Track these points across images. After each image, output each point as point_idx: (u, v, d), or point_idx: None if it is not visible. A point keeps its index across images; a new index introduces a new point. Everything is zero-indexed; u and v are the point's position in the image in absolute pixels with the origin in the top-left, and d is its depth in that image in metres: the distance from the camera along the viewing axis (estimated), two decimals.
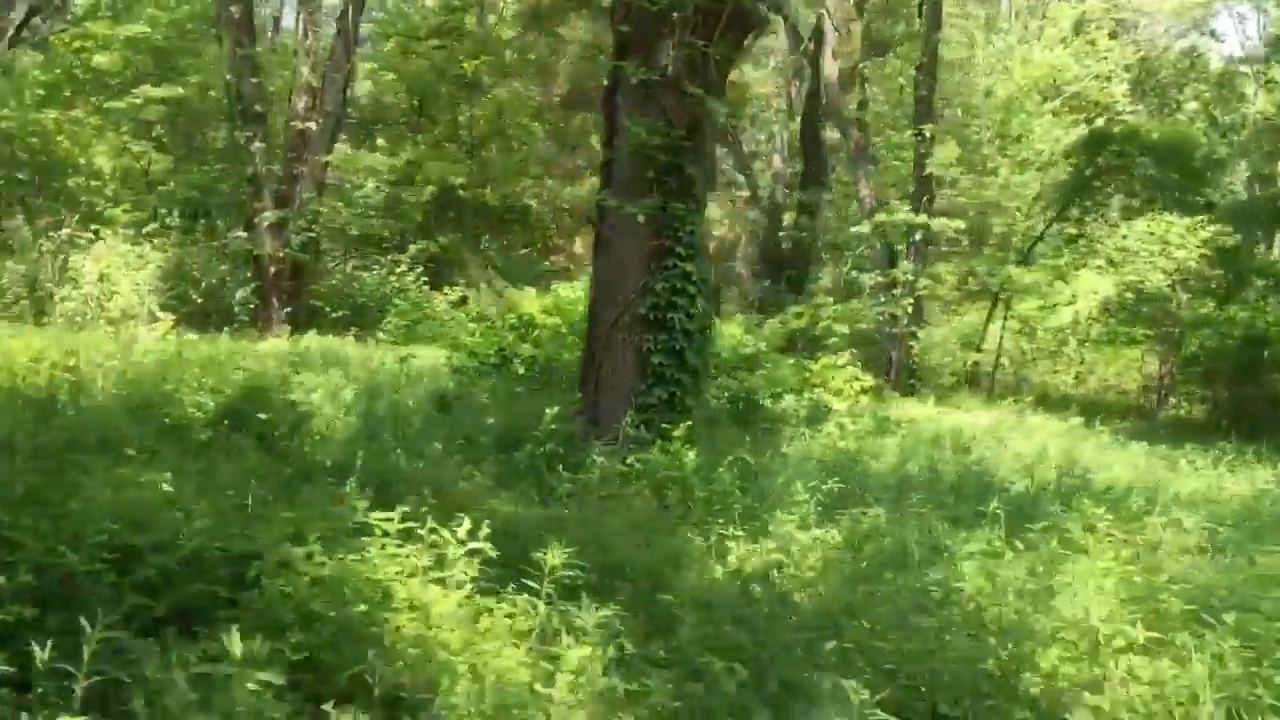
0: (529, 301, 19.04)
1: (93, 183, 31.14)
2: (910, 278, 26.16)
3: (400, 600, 4.87)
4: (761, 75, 43.50)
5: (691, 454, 9.60)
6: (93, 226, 24.81)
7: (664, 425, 10.70)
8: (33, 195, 30.68)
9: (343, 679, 4.34)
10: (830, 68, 28.04)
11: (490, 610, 4.98)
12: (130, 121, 31.42)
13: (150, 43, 31.86)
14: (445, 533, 5.04)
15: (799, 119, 34.26)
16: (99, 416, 8.53)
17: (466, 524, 5.07)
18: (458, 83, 32.50)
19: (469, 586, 5.01)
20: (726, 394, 16.71)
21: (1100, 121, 28.84)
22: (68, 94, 32.42)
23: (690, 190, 10.97)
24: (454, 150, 33.33)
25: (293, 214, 26.04)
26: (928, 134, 26.52)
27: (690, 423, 10.77)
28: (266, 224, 25.58)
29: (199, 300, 25.11)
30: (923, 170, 26.86)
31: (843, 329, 24.66)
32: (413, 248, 30.54)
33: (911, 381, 26.61)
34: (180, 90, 30.91)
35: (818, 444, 14.26)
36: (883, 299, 26.40)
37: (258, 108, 26.20)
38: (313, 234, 26.65)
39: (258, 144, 25.76)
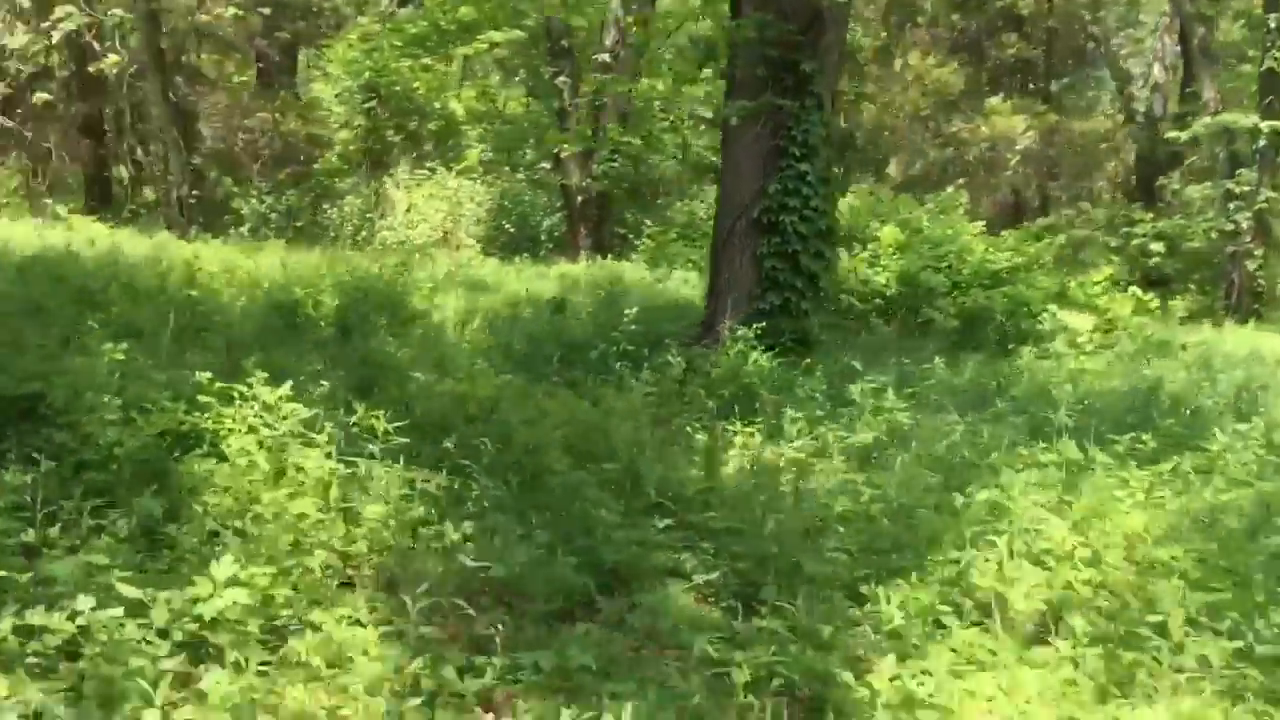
0: None
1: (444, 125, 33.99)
2: (1250, 189, 23.17)
3: (234, 451, 5.35)
4: None
5: (764, 358, 9.42)
6: (427, 165, 27.24)
7: (781, 330, 10.56)
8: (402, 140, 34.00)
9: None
10: None
11: (301, 468, 5.37)
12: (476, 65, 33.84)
13: None
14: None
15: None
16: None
17: (286, 387, 5.44)
18: None
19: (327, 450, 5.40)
20: (952, 310, 15.92)
21: None
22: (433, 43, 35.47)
23: (807, 87, 10.56)
24: None
25: (599, 143, 27.15)
26: (1273, 24, 23.19)
27: (801, 329, 10.55)
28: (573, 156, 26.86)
29: (510, 230, 26.91)
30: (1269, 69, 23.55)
31: (1159, 247, 22.33)
32: None
33: (1256, 307, 23.68)
34: (518, 33, 32.96)
35: (1033, 363, 13.30)
36: (1218, 214, 23.62)
37: (565, 42, 27.47)
38: (615, 164, 27.64)
39: (564, 78, 27.05)
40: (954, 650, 4.37)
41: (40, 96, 21.68)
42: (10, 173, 25.65)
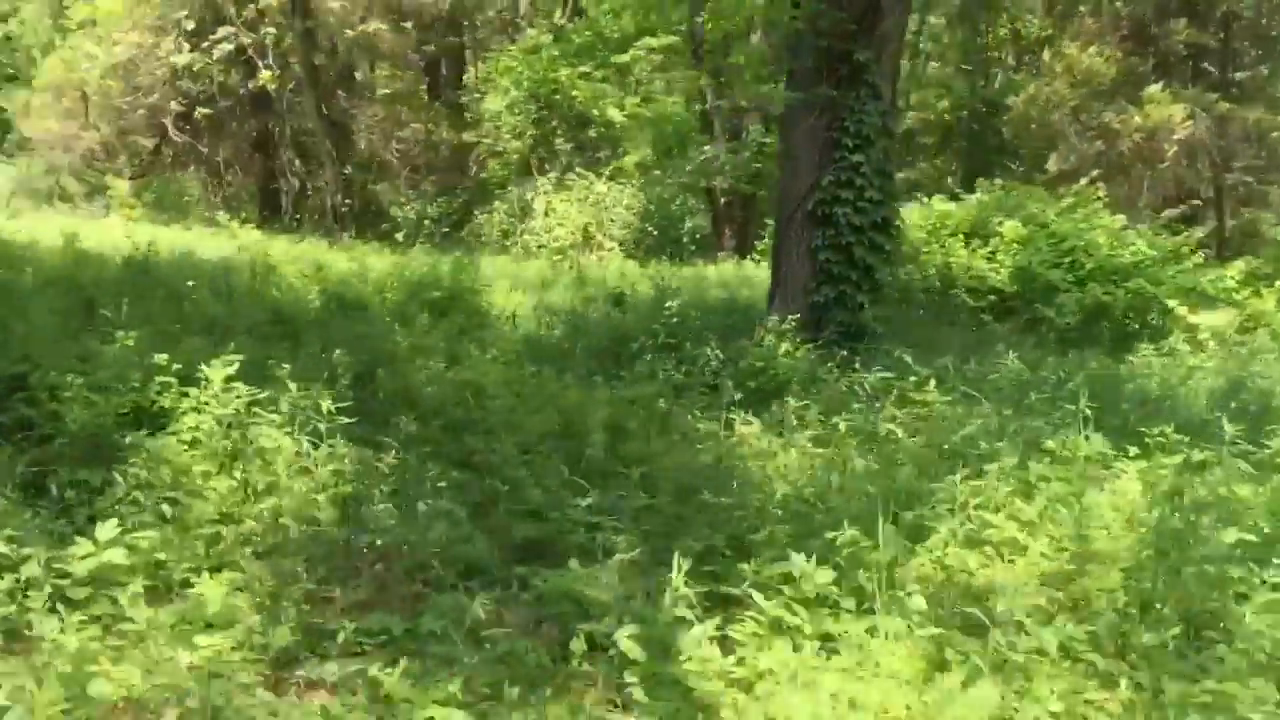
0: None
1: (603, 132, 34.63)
2: None
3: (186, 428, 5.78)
4: None
5: (795, 349, 9.35)
6: (576, 170, 27.85)
7: (836, 322, 10.47)
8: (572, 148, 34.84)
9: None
10: None
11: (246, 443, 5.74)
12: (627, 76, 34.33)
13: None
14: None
15: None
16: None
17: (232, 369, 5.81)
18: None
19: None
20: (1073, 307, 15.29)
21: None
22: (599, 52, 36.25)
23: (861, 76, 10.38)
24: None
25: (742, 145, 27.18)
26: None
27: (855, 321, 10.42)
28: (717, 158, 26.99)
29: (654, 232, 27.20)
30: None
31: None
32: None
33: None
34: (673, 38, 33.32)
35: (1142, 360, 12.73)
36: None
37: (707, 46, 27.60)
38: (759, 165, 27.59)
39: (705, 81, 27.19)
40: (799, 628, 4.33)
41: (202, 112, 23.27)
42: (191, 184, 27.60)
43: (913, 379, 9.27)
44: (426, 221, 26.26)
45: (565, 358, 9.67)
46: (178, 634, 4.09)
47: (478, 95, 33.41)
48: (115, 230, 18.98)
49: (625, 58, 34.33)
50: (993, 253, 16.71)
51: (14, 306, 7.56)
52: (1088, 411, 7.93)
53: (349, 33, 23.47)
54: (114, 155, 27.01)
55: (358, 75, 29.99)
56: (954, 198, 19.06)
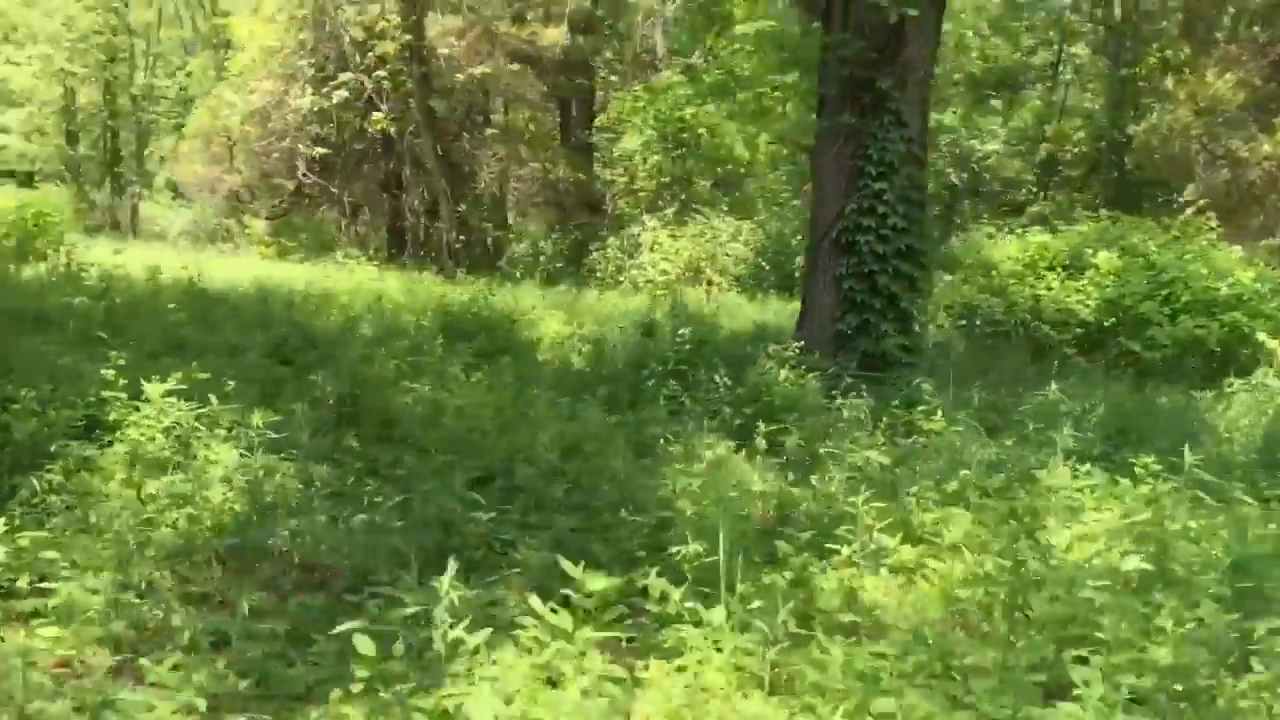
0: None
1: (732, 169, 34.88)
2: None
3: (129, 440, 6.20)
4: None
5: (806, 378, 9.35)
6: (693, 207, 28.15)
7: (861, 352, 10.42)
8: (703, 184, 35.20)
9: None
10: None
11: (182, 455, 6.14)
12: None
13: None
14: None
15: None
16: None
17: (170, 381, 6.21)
18: None
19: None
20: (1165, 341, 14.67)
21: None
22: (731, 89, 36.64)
23: (884, 104, 10.32)
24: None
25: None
26: None
27: (880, 350, 10.32)
28: None
29: (766, 267, 27.15)
30: None
31: None
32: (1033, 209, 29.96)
33: None
34: (796, 76, 33.39)
35: (1221, 396, 12.19)
36: None
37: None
38: None
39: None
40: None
41: (319, 152, 24.49)
42: (325, 224, 29.05)
43: (921, 409, 9.18)
44: (542, 258, 26.91)
45: (584, 384, 9.88)
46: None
47: (609, 135, 34.16)
48: (238, 266, 20.23)
49: (747, 95, 34.69)
50: (1084, 285, 16.17)
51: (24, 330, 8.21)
52: (1071, 442, 7.76)
53: (459, 77, 24.33)
54: (257, 197, 28.68)
55: (492, 116, 31.11)
56: (1052, 230, 18.49)
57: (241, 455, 6.12)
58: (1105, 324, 15.68)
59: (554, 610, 3.92)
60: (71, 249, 17.46)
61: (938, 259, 20.96)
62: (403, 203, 26.68)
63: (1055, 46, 36.54)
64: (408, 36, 22.98)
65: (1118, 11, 32.37)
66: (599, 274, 26.81)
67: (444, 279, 21.97)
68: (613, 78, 36.66)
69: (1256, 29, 25.22)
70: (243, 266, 21.04)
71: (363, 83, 23.43)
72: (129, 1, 39.52)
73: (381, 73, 22.69)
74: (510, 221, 28.06)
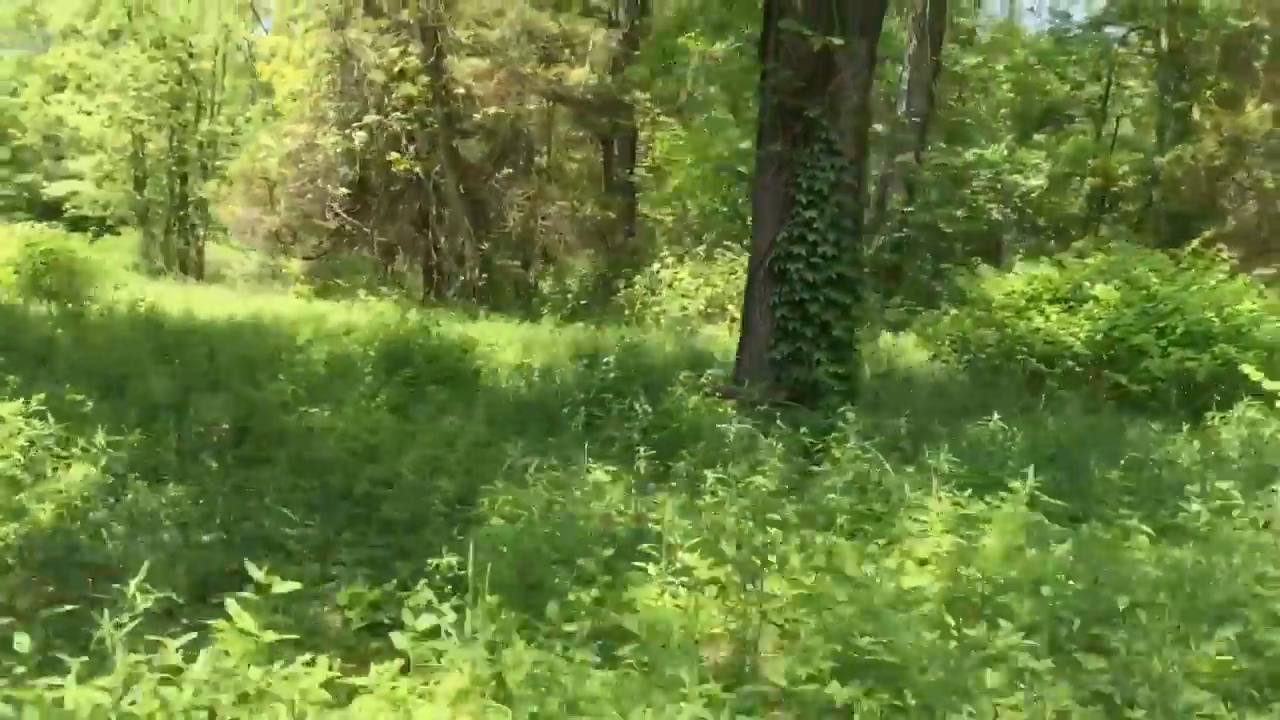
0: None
1: None
2: None
3: None
4: None
5: (701, 404, 9.35)
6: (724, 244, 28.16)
7: (793, 381, 10.38)
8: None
9: None
10: None
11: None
12: None
13: None
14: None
15: None
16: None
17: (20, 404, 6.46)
18: None
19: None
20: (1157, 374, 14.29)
21: None
22: None
23: (814, 133, 10.32)
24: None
25: (882, 215, 26.84)
26: None
27: (811, 379, 10.26)
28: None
29: None
30: None
31: None
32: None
33: None
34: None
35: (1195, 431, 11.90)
36: None
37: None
38: (902, 235, 27.13)
39: None
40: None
41: (343, 193, 25.07)
42: (361, 264, 29.64)
43: (833, 436, 9.11)
44: (568, 295, 27.15)
45: (511, 412, 9.98)
46: None
47: (648, 174, 34.43)
48: (241, 303, 20.74)
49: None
50: (1079, 318, 15.82)
51: None
52: (958, 469, 7.69)
53: (479, 116, 24.77)
54: (299, 238, 29.40)
55: (535, 157, 31.55)
56: (1058, 264, 18.16)
57: (87, 474, 6.31)
58: (1098, 356, 15.32)
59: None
60: (122, 287, 18.36)
61: (955, 292, 20.73)
62: (430, 242, 27.16)
63: (1104, 79, 35.95)
64: (426, 79, 23.48)
65: (1164, 43, 31.82)
66: (626, 311, 26.99)
67: (468, 316, 22.28)
68: (662, 118, 36.94)
69: None
70: (247, 303, 21.42)
71: (385, 123, 23.98)
72: (193, 52, 40.92)
73: (405, 114, 23.19)
74: (539, 260, 28.36)
